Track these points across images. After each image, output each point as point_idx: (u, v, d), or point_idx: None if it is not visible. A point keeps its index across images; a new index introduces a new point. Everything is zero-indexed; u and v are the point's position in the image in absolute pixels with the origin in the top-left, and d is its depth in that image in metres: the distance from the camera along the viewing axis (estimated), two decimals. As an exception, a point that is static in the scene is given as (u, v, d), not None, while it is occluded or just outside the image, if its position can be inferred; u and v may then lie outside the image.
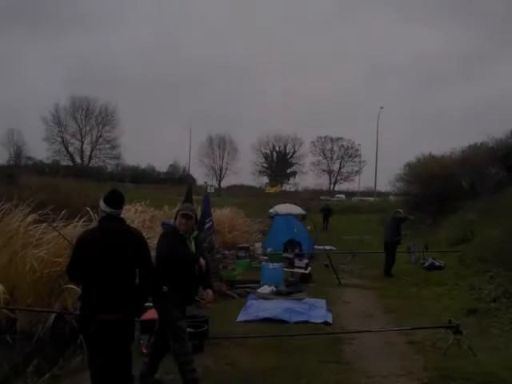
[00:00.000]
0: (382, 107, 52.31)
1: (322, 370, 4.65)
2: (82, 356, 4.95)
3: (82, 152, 65.33)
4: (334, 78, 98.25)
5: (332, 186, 72.95)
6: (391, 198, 35.60)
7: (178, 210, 4.22)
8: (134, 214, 10.79)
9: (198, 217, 7.34)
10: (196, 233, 4.24)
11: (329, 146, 73.35)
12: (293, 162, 73.83)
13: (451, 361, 4.84)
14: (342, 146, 72.63)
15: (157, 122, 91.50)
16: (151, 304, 4.25)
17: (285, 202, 29.41)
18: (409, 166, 22.46)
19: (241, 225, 16.62)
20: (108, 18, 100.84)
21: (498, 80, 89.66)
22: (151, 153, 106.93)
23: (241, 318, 6.60)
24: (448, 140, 76.07)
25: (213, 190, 46.34)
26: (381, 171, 67.14)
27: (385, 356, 5.15)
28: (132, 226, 3.97)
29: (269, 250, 13.09)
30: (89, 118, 64.46)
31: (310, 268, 10.16)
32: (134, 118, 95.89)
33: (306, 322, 6.44)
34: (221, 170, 71.82)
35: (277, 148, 73.95)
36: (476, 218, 13.40)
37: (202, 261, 4.07)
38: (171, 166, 71.07)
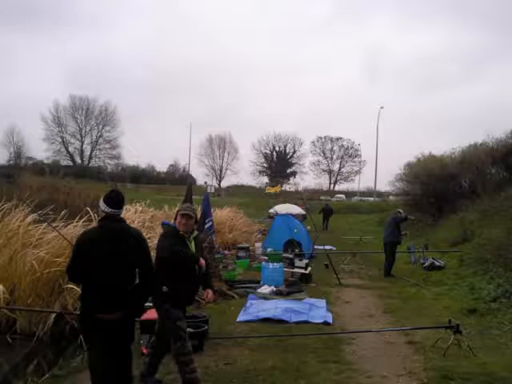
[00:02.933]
0: (382, 107, 52.26)
1: (322, 370, 4.64)
2: (81, 356, 4.95)
3: (82, 152, 65.51)
4: (334, 78, 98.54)
5: (332, 185, 73.09)
6: (391, 197, 35.59)
7: (178, 210, 4.22)
8: (134, 214, 10.78)
9: (198, 217, 7.35)
10: (196, 233, 4.23)
11: (329, 146, 73.56)
12: (293, 162, 73.95)
13: (451, 361, 4.84)
14: (342, 145, 72.82)
15: (157, 122, 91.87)
16: (151, 304, 4.25)
17: (285, 202, 29.51)
18: (409, 165, 22.41)
19: (241, 225, 16.62)
20: (108, 17, 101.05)
21: (498, 80, 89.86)
22: (151, 153, 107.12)
23: (241, 318, 6.60)
24: (448, 140, 76.20)
25: (213, 190, 46.32)
26: (381, 171, 67.35)
27: (385, 356, 5.15)
28: (132, 226, 3.96)
29: (269, 249, 13.10)
30: (89, 118, 64.68)
31: (310, 268, 10.16)
32: (133, 118, 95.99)
33: (306, 322, 6.43)
34: (221, 170, 72.00)
35: (277, 148, 74.08)
36: (476, 217, 13.38)
37: (202, 261, 4.07)
38: (171, 166, 71.22)
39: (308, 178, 73.76)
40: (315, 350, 5.24)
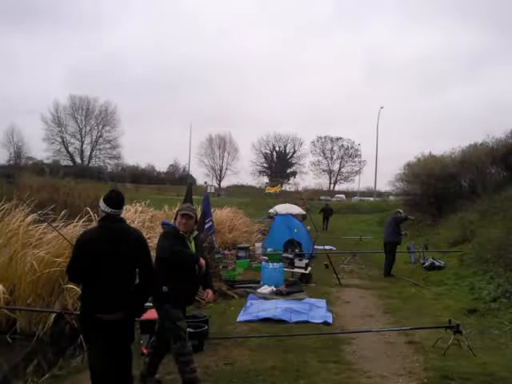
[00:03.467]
0: (382, 107, 52.19)
1: (322, 370, 4.64)
2: (82, 356, 4.95)
3: (82, 152, 65.54)
4: (334, 78, 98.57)
5: (332, 185, 73.13)
6: (391, 197, 35.59)
7: (178, 210, 4.22)
8: (134, 214, 10.79)
9: (198, 217, 7.35)
10: (196, 233, 4.23)
11: (329, 146, 73.64)
12: (293, 162, 74.03)
13: (451, 361, 4.84)
14: (342, 146, 72.89)
15: (157, 121, 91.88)
16: (151, 304, 4.25)
17: (285, 202, 29.50)
18: (409, 165, 22.39)
19: (241, 225, 16.62)
20: (108, 17, 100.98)
21: (498, 80, 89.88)
22: (151, 153, 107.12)
23: (241, 318, 6.59)
24: (448, 140, 76.16)
25: (213, 190, 46.36)
26: (381, 171, 67.38)
27: (385, 356, 5.15)
28: (132, 226, 3.96)
29: (269, 249, 13.09)
30: (89, 118, 64.73)
31: (310, 268, 10.16)
32: (134, 118, 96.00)
33: (306, 322, 6.43)
34: (221, 170, 72.04)
35: (277, 148, 74.14)
36: (476, 217, 13.38)
37: (202, 261, 4.07)
38: (171, 165, 71.28)
39: (308, 177, 73.97)
40: (315, 350, 5.23)
